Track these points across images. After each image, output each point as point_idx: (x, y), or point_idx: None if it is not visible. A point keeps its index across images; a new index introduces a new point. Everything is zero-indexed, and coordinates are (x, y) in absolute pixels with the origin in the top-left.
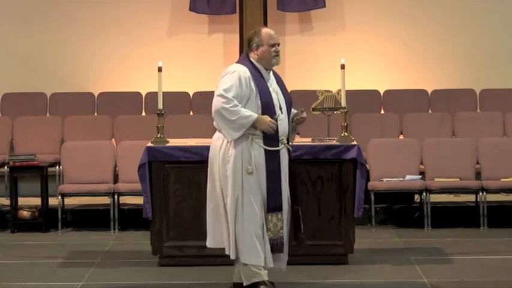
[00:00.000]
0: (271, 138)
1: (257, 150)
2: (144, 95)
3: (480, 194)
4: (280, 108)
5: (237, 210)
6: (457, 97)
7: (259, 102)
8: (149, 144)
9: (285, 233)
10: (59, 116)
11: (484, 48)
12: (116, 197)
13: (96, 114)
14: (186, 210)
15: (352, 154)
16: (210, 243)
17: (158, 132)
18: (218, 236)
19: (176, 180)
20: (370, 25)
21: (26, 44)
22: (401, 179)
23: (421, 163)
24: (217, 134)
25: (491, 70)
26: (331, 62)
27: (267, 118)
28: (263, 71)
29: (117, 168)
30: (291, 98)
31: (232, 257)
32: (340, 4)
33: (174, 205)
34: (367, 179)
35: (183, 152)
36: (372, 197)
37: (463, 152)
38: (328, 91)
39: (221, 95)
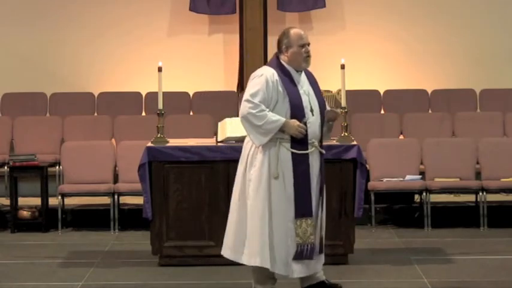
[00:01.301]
0: (299, 141)
1: (285, 155)
2: (144, 95)
3: (480, 194)
4: (312, 111)
5: (255, 215)
6: (457, 97)
7: (287, 105)
8: (149, 144)
9: (317, 238)
10: (59, 116)
11: (484, 48)
12: (116, 197)
13: (96, 114)
14: (186, 210)
15: (352, 154)
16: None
17: (158, 132)
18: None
19: (176, 180)
20: (370, 25)
21: (26, 44)
22: (401, 179)
23: (421, 163)
24: (247, 138)
25: (491, 70)
26: (331, 62)
27: (295, 122)
28: (293, 73)
29: (117, 168)
30: (324, 99)
31: (256, 263)
32: (340, 4)
33: (174, 205)
34: (367, 179)
35: (183, 152)
36: (372, 197)
37: (463, 152)
38: (328, 91)
39: (248, 100)
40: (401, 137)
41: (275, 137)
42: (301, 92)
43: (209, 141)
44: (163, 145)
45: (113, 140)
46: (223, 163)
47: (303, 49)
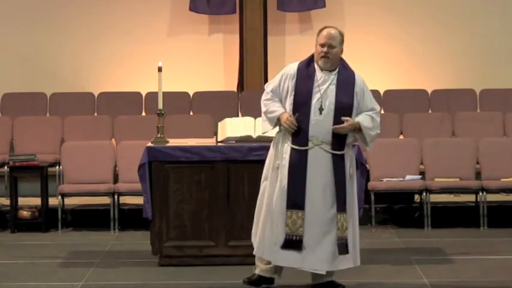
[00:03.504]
0: (298, 137)
1: (285, 148)
2: (144, 95)
3: (480, 194)
4: (321, 109)
5: (257, 203)
6: (457, 97)
7: (291, 100)
8: (149, 144)
9: (314, 235)
10: (59, 116)
11: (484, 48)
12: (116, 197)
13: (96, 114)
14: (186, 210)
15: None
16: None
17: (158, 132)
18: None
19: (176, 180)
20: (370, 25)
21: (26, 44)
22: (401, 179)
23: (421, 163)
24: None
25: (491, 70)
26: None
27: (285, 115)
28: (317, 70)
29: (117, 168)
30: (350, 102)
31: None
32: (340, 4)
33: (174, 205)
34: (367, 179)
35: (183, 152)
36: (372, 197)
37: (463, 152)
38: None
39: (265, 88)
40: (401, 137)
41: (282, 128)
42: (314, 90)
43: (209, 141)
44: (163, 145)
45: (113, 140)
46: (223, 163)
47: (321, 48)
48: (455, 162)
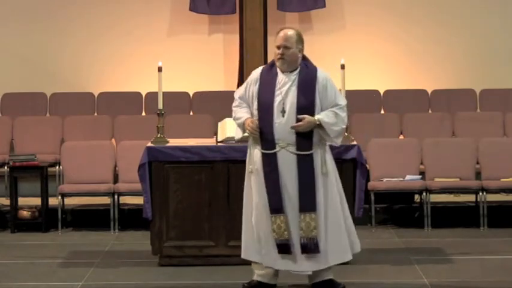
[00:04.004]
0: (265, 141)
1: (256, 152)
2: (144, 95)
3: (480, 194)
4: (283, 112)
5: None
6: (457, 97)
7: (256, 105)
8: (149, 144)
9: (293, 234)
10: (59, 116)
11: (484, 48)
12: (116, 197)
13: (96, 114)
14: (186, 210)
15: (352, 154)
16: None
17: (158, 132)
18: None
19: (176, 180)
20: (370, 25)
21: (26, 44)
22: (401, 179)
23: (421, 163)
24: None
25: (491, 70)
26: (331, 62)
27: (248, 120)
28: (279, 72)
29: (117, 168)
30: (311, 101)
31: None
32: (340, 4)
33: (174, 205)
34: (367, 179)
35: (183, 152)
36: (372, 197)
37: (463, 152)
38: None
39: (234, 96)
40: (401, 137)
41: None
42: (276, 93)
43: (209, 141)
44: (163, 145)
45: (113, 140)
46: (223, 163)
47: (277, 50)
48: (455, 162)
